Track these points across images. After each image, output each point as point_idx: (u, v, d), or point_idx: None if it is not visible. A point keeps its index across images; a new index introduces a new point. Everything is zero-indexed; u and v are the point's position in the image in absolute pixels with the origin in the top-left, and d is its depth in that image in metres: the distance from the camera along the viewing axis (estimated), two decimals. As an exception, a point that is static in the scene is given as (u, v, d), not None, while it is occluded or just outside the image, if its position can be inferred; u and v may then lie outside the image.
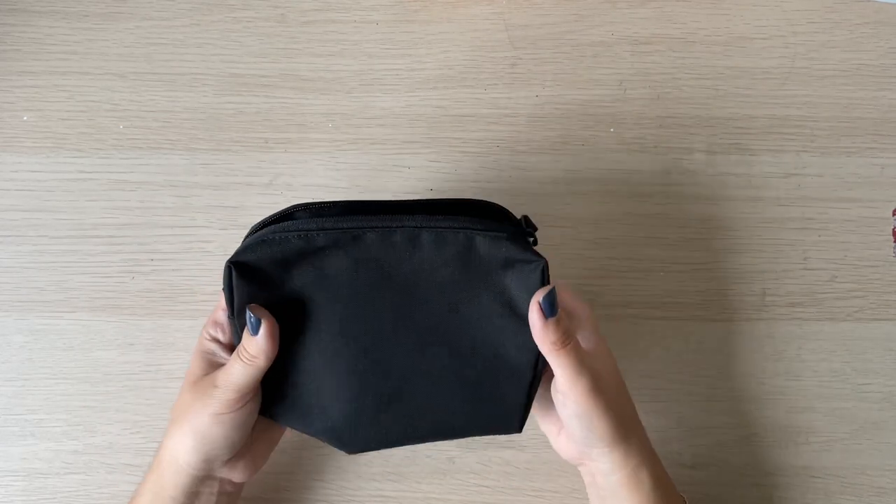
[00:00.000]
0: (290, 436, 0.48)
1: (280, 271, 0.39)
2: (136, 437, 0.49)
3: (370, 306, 0.40)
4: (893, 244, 0.51)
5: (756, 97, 0.53)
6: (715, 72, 0.53)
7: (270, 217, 0.40)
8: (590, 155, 0.52)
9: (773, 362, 0.50)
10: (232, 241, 0.51)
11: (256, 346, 0.39)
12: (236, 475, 0.42)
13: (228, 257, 0.39)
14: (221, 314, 0.42)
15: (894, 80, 0.53)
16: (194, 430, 0.39)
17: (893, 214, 0.51)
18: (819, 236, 0.51)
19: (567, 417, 0.40)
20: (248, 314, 0.39)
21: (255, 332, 0.39)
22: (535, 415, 0.44)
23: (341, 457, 0.49)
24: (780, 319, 0.50)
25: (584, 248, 0.51)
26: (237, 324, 0.40)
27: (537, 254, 0.39)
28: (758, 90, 0.53)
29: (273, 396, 0.41)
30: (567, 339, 0.39)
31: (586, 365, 0.39)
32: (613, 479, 0.40)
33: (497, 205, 0.41)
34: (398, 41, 0.54)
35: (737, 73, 0.53)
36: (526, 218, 0.41)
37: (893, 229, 0.51)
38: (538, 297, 0.38)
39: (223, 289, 0.39)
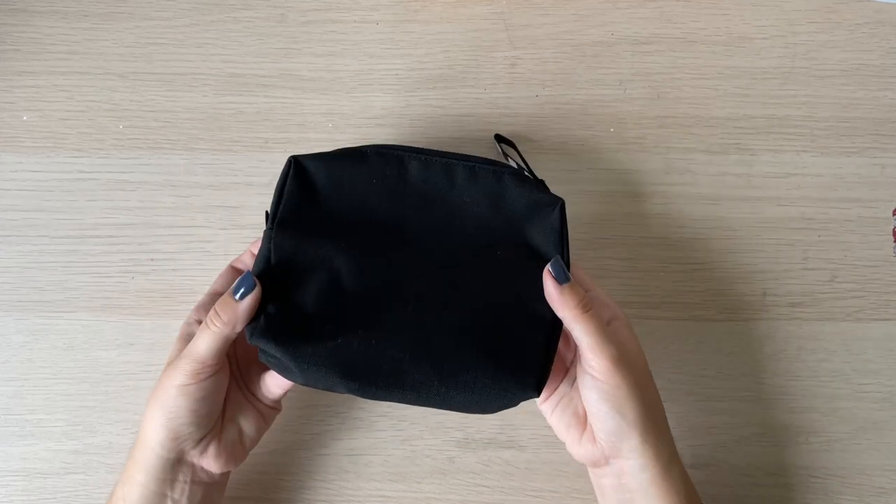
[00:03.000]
0: (289, 436, 0.49)
1: (329, 189, 0.43)
2: (135, 437, 0.49)
3: (409, 232, 0.43)
4: (893, 244, 0.51)
5: (756, 97, 0.53)
6: (715, 72, 0.53)
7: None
8: (590, 155, 0.52)
9: (773, 362, 0.50)
10: (232, 241, 0.51)
11: (233, 312, 0.39)
12: (210, 462, 0.41)
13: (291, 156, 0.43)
14: (208, 300, 0.43)
15: (894, 80, 0.53)
16: (161, 404, 0.39)
17: (893, 214, 0.51)
18: (819, 236, 0.51)
19: (594, 403, 0.39)
20: (246, 275, 0.39)
21: (242, 295, 0.39)
22: (554, 424, 0.43)
23: (341, 457, 0.49)
24: (780, 319, 0.50)
25: (584, 248, 0.51)
26: (272, 238, 0.41)
27: (554, 196, 0.43)
28: (758, 90, 0.53)
29: (289, 326, 0.40)
30: (588, 305, 0.39)
31: (611, 334, 0.39)
32: (645, 476, 0.39)
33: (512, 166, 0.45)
34: (398, 41, 0.54)
35: (737, 72, 0.53)
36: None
37: (893, 229, 0.51)
38: (548, 267, 0.40)
39: (276, 189, 0.42)
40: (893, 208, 0.51)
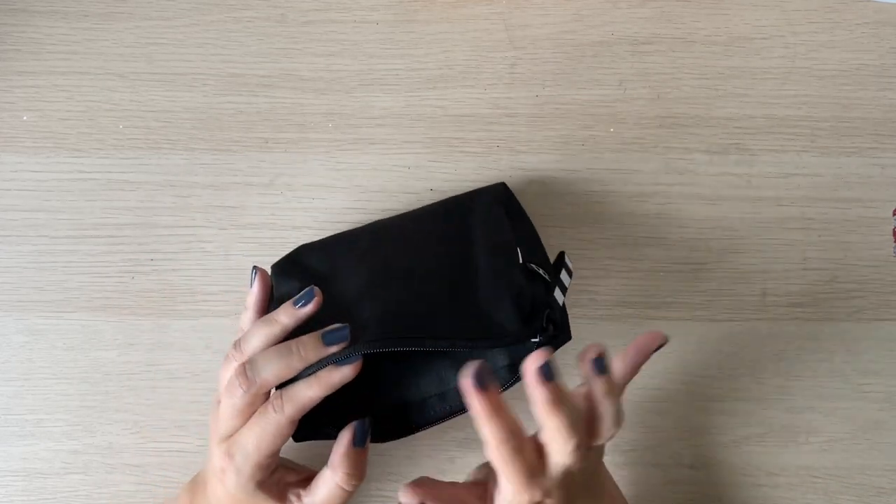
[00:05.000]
0: (290, 436, 0.48)
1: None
2: (136, 437, 0.49)
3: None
4: (893, 244, 0.51)
5: (756, 97, 0.53)
6: (715, 72, 0.53)
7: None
8: (590, 155, 0.52)
9: (773, 362, 0.50)
10: (232, 241, 0.51)
11: (360, 461, 0.36)
12: None
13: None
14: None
15: (894, 80, 0.53)
16: None
17: (893, 214, 0.51)
18: (819, 236, 0.51)
19: None
20: (356, 427, 0.37)
21: (362, 443, 0.36)
22: None
23: (341, 457, 0.49)
24: (780, 319, 0.50)
25: (585, 248, 0.51)
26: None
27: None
28: (758, 90, 0.53)
29: None
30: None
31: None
32: None
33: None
34: (398, 41, 0.54)
35: (737, 73, 0.53)
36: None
37: (893, 229, 0.51)
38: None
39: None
40: (893, 208, 0.51)
